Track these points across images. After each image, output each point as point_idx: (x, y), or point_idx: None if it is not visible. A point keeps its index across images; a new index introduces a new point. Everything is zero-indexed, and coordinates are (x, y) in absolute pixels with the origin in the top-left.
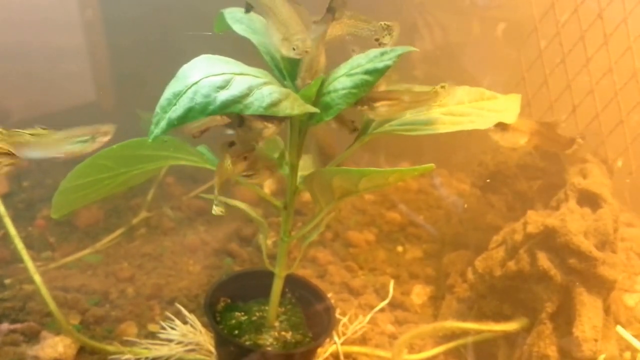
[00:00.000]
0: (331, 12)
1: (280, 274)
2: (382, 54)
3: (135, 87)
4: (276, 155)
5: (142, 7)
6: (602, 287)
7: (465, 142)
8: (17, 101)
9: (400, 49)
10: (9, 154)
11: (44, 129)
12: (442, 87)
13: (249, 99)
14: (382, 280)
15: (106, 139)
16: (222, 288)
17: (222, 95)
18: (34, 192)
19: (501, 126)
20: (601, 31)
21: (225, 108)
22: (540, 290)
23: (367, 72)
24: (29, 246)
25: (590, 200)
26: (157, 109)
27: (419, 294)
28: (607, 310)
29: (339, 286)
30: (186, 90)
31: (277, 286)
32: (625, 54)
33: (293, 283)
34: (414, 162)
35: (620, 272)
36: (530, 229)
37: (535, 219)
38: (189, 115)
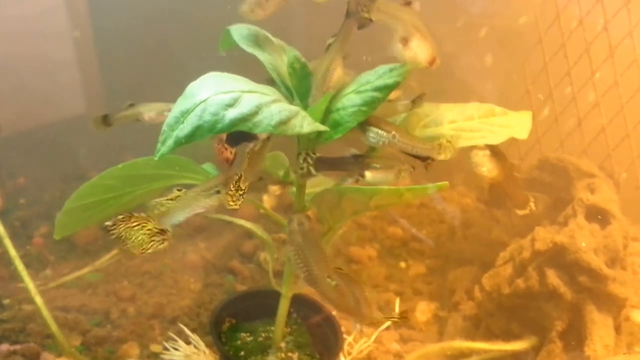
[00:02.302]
0: (351, 16)
1: (286, 294)
2: (391, 70)
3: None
4: (281, 172)
5: (136, 19)
6: (613, 305)
7: (466, 154)
8: (7, 113)
9: (409, 65)
10: (161, 232)
11: (179, 190)
12: (448, 141)
13: (258, 117)
14: (385, 297)
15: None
16: (227, 308)
17: (231, 114)
18: (31, 209)
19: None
20: (606, 44)
21: (234, 126)
22: (549, 308)
23: (376, 89)
24: (27, 265)
25: (598, 216)
26: (165, 127)
27: (424, 311)
28: (617, 329)
29: None
30: (194, 108)
31: (284, 306)
32: (631, 67)
33: (298, 302)
34: (414, 175)
35: (631, 290)
36: (539, 245)
37: (544, 236)
38: (197, 133)
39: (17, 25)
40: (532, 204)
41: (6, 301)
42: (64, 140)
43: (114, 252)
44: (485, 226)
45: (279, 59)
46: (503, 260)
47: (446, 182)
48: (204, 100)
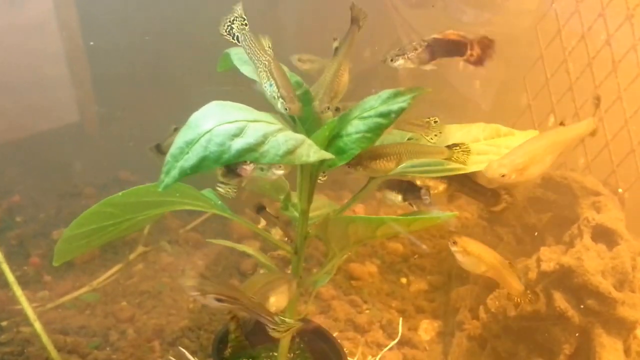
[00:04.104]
0: (356, 22)
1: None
2: (396, 95)
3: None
4: (282, 196)
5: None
6: (623, 328)
7: None
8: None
9: (413, 90)
10: None
11: None
12: (435, 121)
13: (265, 147)
14: (388, 315)
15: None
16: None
17: (237, 144)
18: (28, 228)
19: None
20: (609, 58)
21: (240, 156)
22: (557, 331)
23: (380, 115)
24: (24, 286)
25: (605, 236)
26: (168, 157)
27: (427, 329)
28: (627, 351)
29: (344, 323)
30: (199, 139)
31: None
32: (635, 81)
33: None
34: None
35: None
36: (545, 266)
37: (549, 256)
38: (202, 164)
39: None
40: (507, 197)
41: (4, 323)
42: (59, 154)
43: (112, 271)
44: (488, 243)
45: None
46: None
47: (456, 213)
48: (209, 131)
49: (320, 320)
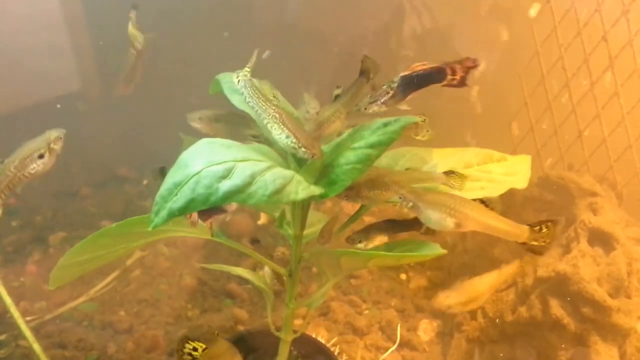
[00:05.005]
0: (365, 75)
1: (286, 338)
2: (386, 125)
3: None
4: (277, 213)
5: None
6: (618, 334)
7: None
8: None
9: (403, 120)
10: None
11: None
12: (423, 120)
13: (252, 188)
14: (387, 315)
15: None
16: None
17: (225, 186)
18: (24, 233)
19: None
20: (606, 54)
21: (227, 199)
22: (553, 338)
23: (370, 146)
24: (21, 296)
25: (602, 239)
26: (158, 198)
27: (426, 329)
28: (623, 356)
29: (343, 326)
30: (187, 181)
31: (284, 350)
32: (632, 76)
33: (298, 340)
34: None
35: (636, 320)
36: (541, 272)
37: (546, 261)
38: (190, 206)
39: None
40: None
41: (2, 337)
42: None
43: (109, 278)
44: (487, 241)
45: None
46: (505, 285)
47: (445, 251)
48: (197, 173)
49: (319, 323)
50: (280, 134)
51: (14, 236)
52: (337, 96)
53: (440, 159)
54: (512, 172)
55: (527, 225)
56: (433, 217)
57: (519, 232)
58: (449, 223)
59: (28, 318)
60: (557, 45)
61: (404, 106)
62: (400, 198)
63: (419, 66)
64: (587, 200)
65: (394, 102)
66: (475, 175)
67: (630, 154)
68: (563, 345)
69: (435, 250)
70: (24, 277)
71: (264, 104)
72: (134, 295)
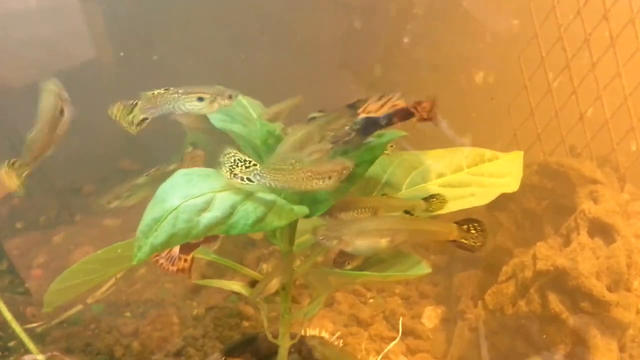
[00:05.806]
0: (352, 108)
1: (284, 345)
2: (369, 142)
3: None
4: None
5: None
6: (617, 328)
7: None
8: None
9: (387, 136)
10: None
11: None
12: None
13: (233, 219)
14: (391, 304)
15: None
16: (231, 352)
17: (205, 219)
18: (29, 235)
19: None
20: (607, 33)
21: (209, 231)
22: (552, 331)
23: (356, 164)
24: (28, 304)
25: (602, 230)
26: (138, 234)
27: (430, 316)
28: (622, 348)
29: (347, 317)
30: (167, 216)
31: (282, 356)
32: (634, 57)
33: (298, 342)
34: None
35: (635, 314)
36: (540, 265)
37: (546, 254)
38: (171, 240)
39: None
40: None
41: (11, 344)
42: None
43: (113, 280)
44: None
45: (253, 130)
46: (505, 276)
47: (429, 270)
48: (176, 208)
49: (324, 315)
50: (320, 186)
51: (18, 239)
52: (311, 118)
53: (430, 163)
54: (504, 173)
55: (455, 223)
56: (364, 245)
57: (448, 230)
58: (382, 244)
59: (35, 324)
60: (556, 25)
61: None
62: (321, 239)
63: (374, 106)
64: (588, 188)
65: (354, 143)
66: (465, 180)
67: (632, 135)
68: (562, 339)
69: (422, 270)
70: (29, 282)
71: (290, 175)
72: (140, 296)
